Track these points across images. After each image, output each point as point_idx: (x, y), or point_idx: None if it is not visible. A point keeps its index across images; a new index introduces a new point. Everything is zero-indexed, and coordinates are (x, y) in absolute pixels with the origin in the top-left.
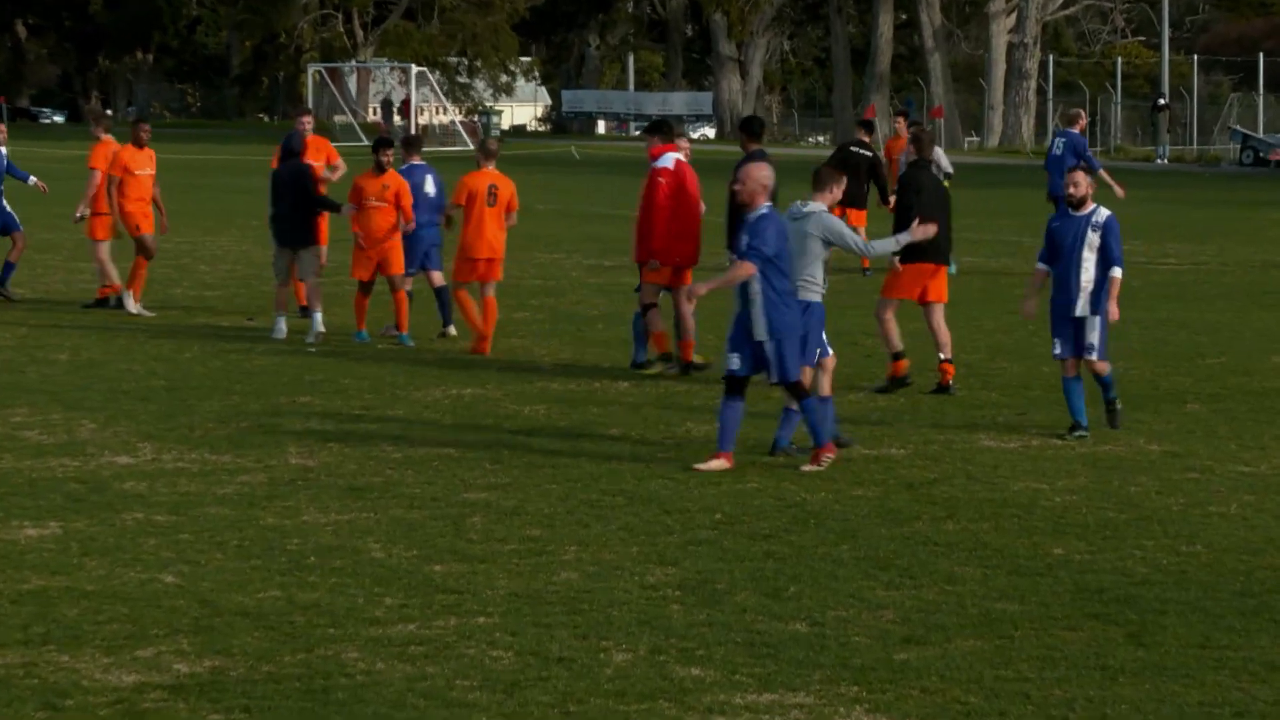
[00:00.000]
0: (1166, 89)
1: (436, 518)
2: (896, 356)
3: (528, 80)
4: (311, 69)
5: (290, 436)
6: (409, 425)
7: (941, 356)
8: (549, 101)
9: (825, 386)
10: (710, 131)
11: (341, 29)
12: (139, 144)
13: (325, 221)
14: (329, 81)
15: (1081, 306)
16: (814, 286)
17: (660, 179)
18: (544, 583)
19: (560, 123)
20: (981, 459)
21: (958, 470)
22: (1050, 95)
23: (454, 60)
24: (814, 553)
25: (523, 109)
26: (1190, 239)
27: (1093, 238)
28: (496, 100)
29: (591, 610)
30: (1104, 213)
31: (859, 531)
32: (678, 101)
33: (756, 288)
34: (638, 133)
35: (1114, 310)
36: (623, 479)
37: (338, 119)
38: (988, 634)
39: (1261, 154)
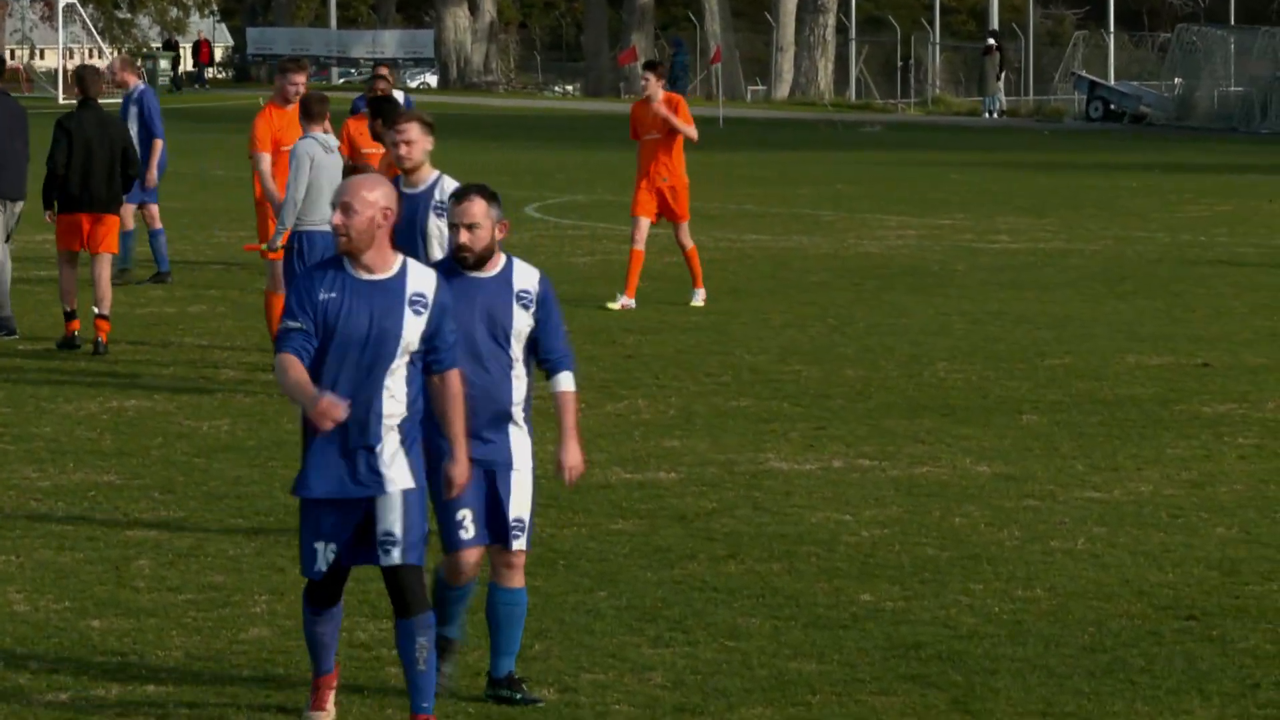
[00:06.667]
0: (996, 25)
1: (94, 561)
2: (70, 316)
3: (203, 15)
4: None
5: None
6: (57, 446)
7: (97, 311)
8: (230, 42)
9: None
10: (432, 79)
11: None
12: None
13: None
14: None
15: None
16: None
17: None
18: (228, 641)
19: (244, 67)
20: (770, 484)
21: (741, 498)
22: (853, 34)
23: None
24: (563, 602)
25: None
26: (1028, 211)
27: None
28: (166, 40)
29: (288, 674)
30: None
31: (619, 575)
32: (390, 41)
33: None
34: (342, 80)
35: None
36: None
37: None
38: (779, 700)
39: (1113, 105)
